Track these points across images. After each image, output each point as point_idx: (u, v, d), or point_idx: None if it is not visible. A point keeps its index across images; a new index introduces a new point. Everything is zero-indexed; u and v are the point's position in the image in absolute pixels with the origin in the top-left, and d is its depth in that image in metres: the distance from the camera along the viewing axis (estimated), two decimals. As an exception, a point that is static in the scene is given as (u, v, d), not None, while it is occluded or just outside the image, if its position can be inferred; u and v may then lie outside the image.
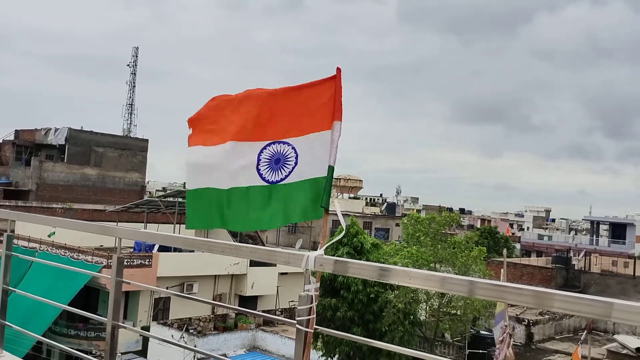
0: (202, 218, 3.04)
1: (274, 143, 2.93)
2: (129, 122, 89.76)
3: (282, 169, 2.92)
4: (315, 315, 2.76)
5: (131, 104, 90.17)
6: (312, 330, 2.74)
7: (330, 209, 3.09)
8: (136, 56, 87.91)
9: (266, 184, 2.89)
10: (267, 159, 2.89)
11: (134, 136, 74.41)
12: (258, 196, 2.89)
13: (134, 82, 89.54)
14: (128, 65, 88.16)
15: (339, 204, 3.02)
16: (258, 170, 2.89)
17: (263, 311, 32.34)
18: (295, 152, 2.93)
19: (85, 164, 53.42)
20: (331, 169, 2.93)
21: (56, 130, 53.78)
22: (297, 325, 2.70)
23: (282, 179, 2.91)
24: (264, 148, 2.91)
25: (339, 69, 3.07)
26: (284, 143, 2.92)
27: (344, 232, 3.15)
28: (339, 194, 59.60)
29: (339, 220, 2.92)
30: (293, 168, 2.91)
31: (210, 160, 2.93)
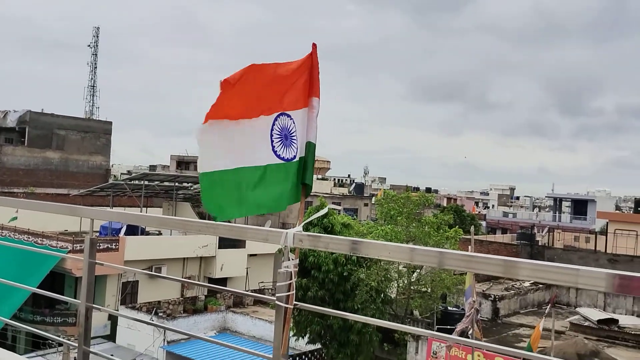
0: (222, 205, 2.84)
1: (281, 115, 2.82)
2: (91, 105, 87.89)
3: (292, 145, 2.84)
4: (295, 291, 2.75)
5: (93, 86, 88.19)
6: (292, 307, 2.74)
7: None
8: (97, 36, 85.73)
9: (282, 161, 2.79)
10: (278, 134, 2.80)
11: (97, 119, 72.92)
12: (274, 175, 2.76)
13: (95, 63, 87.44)
14: (89, 45, 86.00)
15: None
16: (273, 147, 2.78)
17: (247, 290, 32.35)
18: (295, 126, 2.87)
19: (46, 147, 52.17)
20: (313, 145, 2.90)
21: (15, 112, 52.31)
22: (277, 302, 2.70)
23: (294, 157, 2.82)
24: (275, 121, 2.79)
25: (314, 45, 3.03)
26: (287, 115, 2.84)
27: (325, 209, 3.11)
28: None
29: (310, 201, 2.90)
30: (297, 144, 2.84)
31: (229, 137, 2.71)
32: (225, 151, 2.72)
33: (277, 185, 2.83)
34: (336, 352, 20.70)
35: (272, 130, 2.82)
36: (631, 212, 49.95)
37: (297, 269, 2.80)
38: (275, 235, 2.77)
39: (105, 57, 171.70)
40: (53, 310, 29.04)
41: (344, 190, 67.33)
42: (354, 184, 78.30)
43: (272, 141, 2.80)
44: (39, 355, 23.99)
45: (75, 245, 28.25)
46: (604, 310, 25.70)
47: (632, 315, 25.39)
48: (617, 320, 23.05)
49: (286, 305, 2.70)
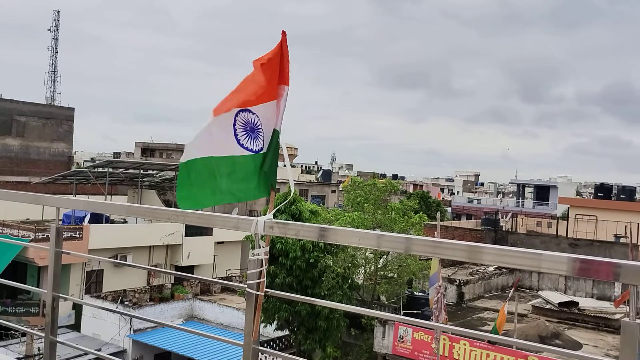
0: (196, 193, 2.81)
1: (242, 111, 2.84)
2: (52, 90, 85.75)
3: (259, 138, 2.85)
4: (265, 278, 2.76)
5: (54, 71, 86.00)
6: (263, 294, 2.75)
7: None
8: (57, 20, 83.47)
9: (249, 153, 2.81)
10: (242, 126, 2.81)
11: (59, 105, 71.19)
12: (243, 166, 2.79)
13: (56, 48, 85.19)
14: (49, 29, 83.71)
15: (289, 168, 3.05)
16: (238, 140, 2.79)
17: (214, 278, 32.16)
18: (260, 122, 2.87)
19: (6, 134, 50.78)
20: (277, 133, 2.91)
21: (-28, 98, 50.75)
22: (248, 289, 2.70)
23: (262, 148, 2.84)
24: (236, 116, 2.81)
25: (284, 32, 3.03)
26: (248, 111, 2.85)
27: (292, 195, 3.14)
28: (274, 161, 59.38)
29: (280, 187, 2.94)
30: (264, 136, 2.86)
31: (208, 129, 2.74)
32: (203, 142, 2.74)
33: (247, 176, 2.85)
34: (304, 338, 20.83)
35: (234, 124, 2.82)
36: (591, 197, 51.21)
37: (267, 257, 2.81)
38: (246, 222, 2.78)
39: (66, 41, 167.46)
40: (15, 301, 28.45)
41: (312, 177, 67.43)
42: (321, 171, 78.46)
43: (236, 135, 2.81)
44: (1, 346, 23.53)
45: (37, 234, 27.70)
46: (564, 293, 26.43)
47: (592, 297, 26.17)
48: (577, 303, 23.74)
49: (257, 293, 2.71)
